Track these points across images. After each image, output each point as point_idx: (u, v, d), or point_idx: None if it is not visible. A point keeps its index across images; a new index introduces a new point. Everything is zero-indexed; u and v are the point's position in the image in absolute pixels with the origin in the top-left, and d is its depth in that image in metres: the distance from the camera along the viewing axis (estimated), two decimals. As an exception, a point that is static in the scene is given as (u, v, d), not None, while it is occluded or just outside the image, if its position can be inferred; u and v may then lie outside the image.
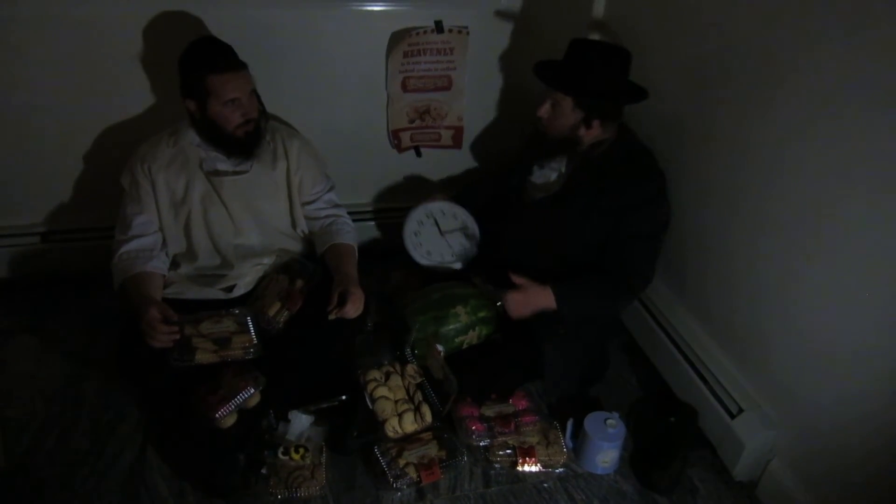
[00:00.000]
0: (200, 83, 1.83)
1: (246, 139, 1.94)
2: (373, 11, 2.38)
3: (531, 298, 2.00)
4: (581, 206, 2.00)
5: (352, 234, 2.14)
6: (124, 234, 1.96)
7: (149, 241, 1.97)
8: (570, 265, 2.06)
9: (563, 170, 2.09)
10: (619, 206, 1.93)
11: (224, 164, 1.99)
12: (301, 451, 1.79)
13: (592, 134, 1.98)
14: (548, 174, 2.13)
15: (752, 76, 1.78)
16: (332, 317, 1.89)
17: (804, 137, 1.61)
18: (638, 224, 1.95)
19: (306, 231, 2.16)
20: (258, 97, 1.97)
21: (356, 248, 2.13)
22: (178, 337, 1.75)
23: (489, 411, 1.96)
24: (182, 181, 1.97)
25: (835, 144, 1.52)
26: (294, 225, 2.15)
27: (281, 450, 1.79)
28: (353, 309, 1.90)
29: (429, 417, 1.91)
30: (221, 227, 2.02)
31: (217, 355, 1.81)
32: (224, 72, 1.83)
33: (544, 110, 1.98)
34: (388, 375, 2.01)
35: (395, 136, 2.65)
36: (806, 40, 1.59)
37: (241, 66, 1.88)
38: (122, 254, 1.93)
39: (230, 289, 2.04)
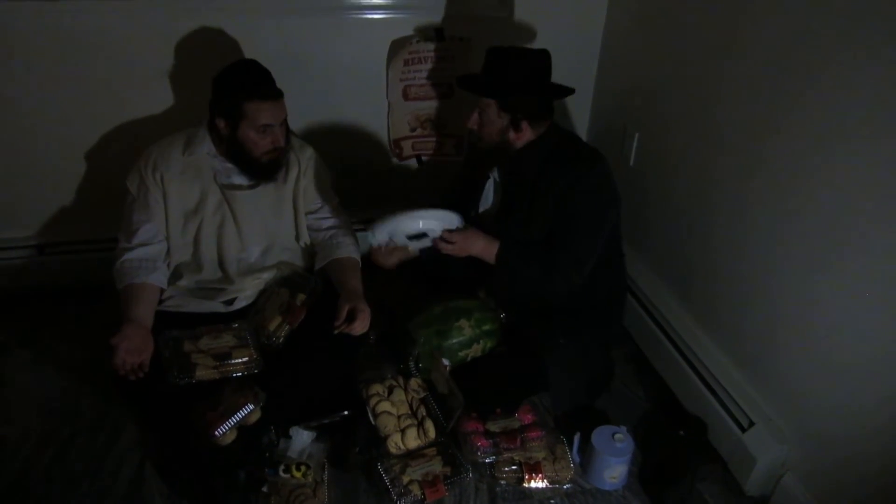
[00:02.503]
0: (237, 106, 1.83)
1: (269, 164, 1.94)
2: (373, 19, 2.37)
3: (472, 241, 1.98)
4: (525, 208, 1.98)
5: (354, 247, 2.10)
6: (129, 240, 1.93)
7: (153, 251, 1.93)
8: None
9: (497, 180, 2.10)
10: (555, 197, 1.91)
11: (239, 178, 1.98)
12: (302, 468, 1.75)
13: (523, 137, 1.96)
14: (487, 197, 2.14)
15: (771, 85, 1.75)
16: (337, 331, 1.87)
17: (823, 148, 1.58)
18: (575, 204, 1.90)
19: (308, 242, 2.13)
20: (287, 125, 1.98)
21: (360, 261, 2.10)
22: (141, 375, 1.74)
23: (494, 426, 1.92)
24: (196, 191, 1.95)
25: (855, 155, 1.49)
26: (297, 237, 2.12)
27: (282, 467, 1.75)
28: (361, 326, 1.89)
29: (432, 433, 1.87)
30: (230, 240, 2.00)
31: (217, 371, 1.77)
32: (264, 100, 1.83)
33: (473, 121, 1.97)
34: (391, 390, 1.98)
35: (396, 145, 2.63)
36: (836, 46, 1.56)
37: (279, 95, 1.88)
38: (125, 261, 1.90)
39: (230, 302, 2.00)
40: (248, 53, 2.28)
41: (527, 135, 1.95)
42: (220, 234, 1.99)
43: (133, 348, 1.75)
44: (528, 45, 2.49)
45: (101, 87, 2.24)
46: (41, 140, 2.30)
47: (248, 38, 2.27)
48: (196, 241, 1.99)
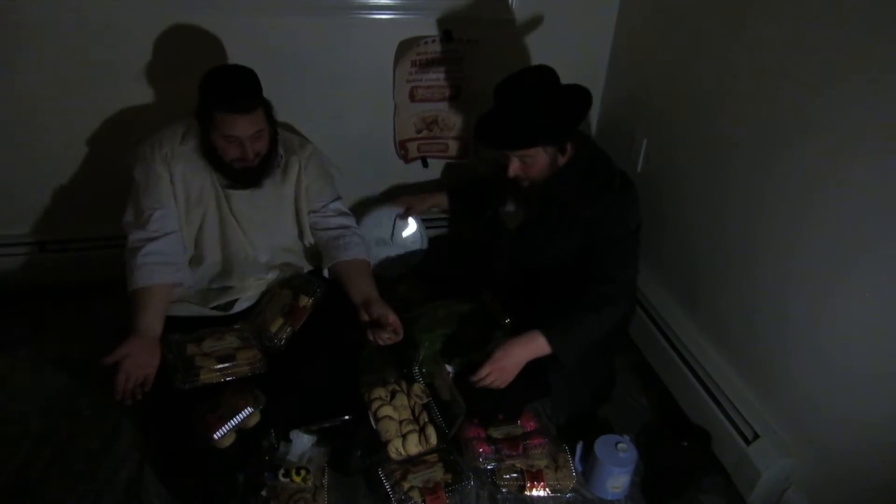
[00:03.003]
0: (207, 113, 1.79)
1: (242, 172, 1.88)
2: (380, 20, 2.35)
3: (512, 357, 1.81)
4: (548, 225, 1.94)
5: (363, 247, 2.06)
6: (143, 229, 1.87)
7: (172, 244, 1.89)
8: (541, 278, 2.01)
9: (529, 195, 2.03)
10: (584, 219, 1.86)
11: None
12: (302, 472, 1.74)
13: (569, 154, 1.89)
14: (517, 203, 2.08)
15: (783, 93, 1.73)
16: (379, 342, 1.89)
17: (836, 157, 1.56)
18: (605, 233, 1.86)
19: (312, 243, 2.11)
20: (275, 130, 1.92)
21: (370, 262, 2.07)
22: (139, 398, 1.73)
23: (497, 433, 1.90)
24: (196, 181, 1.91)
25: (869, 164, 1.47)
26: (301, 236, 2.09)
27: (282, 471, 1.74)
28: (396, 335, 1.89)
29: (434, 439, 1.86)
30: (233, 239, 1.97)
31: (222, 373, 1.76)
32: (231, 112, 1.76)
33: (514, 168, 1.87)
34: (393, 394, 1.97)
35: (401, 147, 2.61)
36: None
37: (251, 109, 1.79)
38: (147, 254, 1.84)
39: (232, 304, 1.99)
40: (253, 52, 2.26)
41: (571, 151, 1.89)
42: (222, 231, 1.97)
43: (138, 364, 1.73)
44: (536, 50, 2.51)
45: (103, 84, 2.23)
46: (42, 136, 2.28)
47: (255, 39, 2.26)
48: (199, 234, 1.96)
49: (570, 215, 1.88)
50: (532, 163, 1.85)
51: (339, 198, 2.13)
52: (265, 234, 2.02)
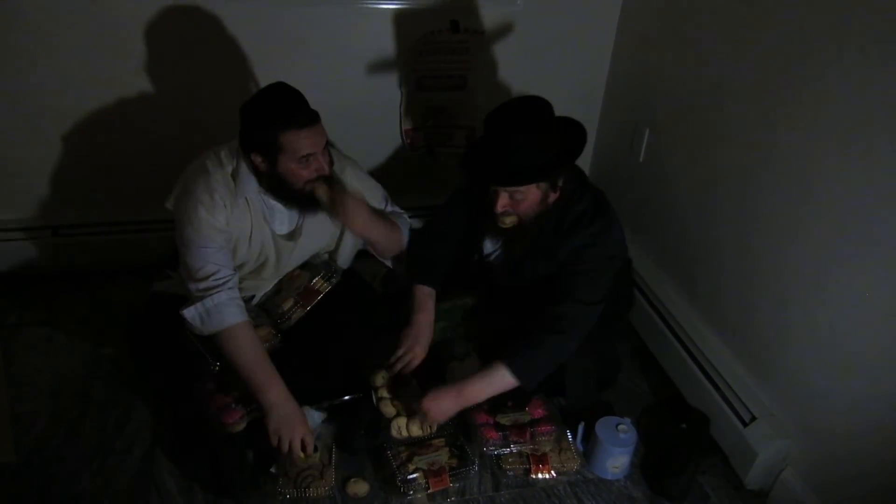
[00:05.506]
0: (273, 140, 1.66)
1: (312, 194, 1.77)
2: (388, 10, 2.38)
3: (463, 393, 1.80)
4: (524, 253, 1.90)
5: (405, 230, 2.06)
6: (202, 280, 1.73)
7: (231, 276, 1.76)
8: (512, 296, 1.99)
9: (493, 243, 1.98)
10: (564, 251, 1.82)
11: (283, 223, 1.88)
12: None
13: (560, 191, 1.81)
14: (495, 241, 1.99)
15: (783, 80, 1.76)
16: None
17: (834, 144, 1.59)
18: (582, 263, 1.81)
19: (344, 267, 2.09)
20: (330, 148, 1.82)
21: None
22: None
23: (505, 419, 1.93)
24: (246, 222, 1.81)
25: (867, 149, 1.50)
26: (335, 254, 2.06)
27: None
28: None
29: (435, 426, 1.90)
30: (265, 278, 1.97)
31: None
32: (301, 128, 1.66)
33: (503, 204, 1.74)
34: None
35: (407, 135, 2.64)
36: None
37: (315, 119, 1.70)
38: (220, 304, 1.71)
39: (249, 299, 1.99)
40: (259, 42, 2.29)
41: (560, 188, 1.80)
42: (258, 272, 1.94)
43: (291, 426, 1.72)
44: (541, 41, 2.53)
45: (117, 70, 2.26)
46: (57, 122, 2.31)
47: (261, 28, 2.28)
48: (252, 273, 1.94)
49: (553, 250, 1.83)
50: (522, 199, 1.74)
51: (387, 199, 2.10)
52: (308, 252, 2.01)
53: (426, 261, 2.02)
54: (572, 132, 1.81)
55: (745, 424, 1.84)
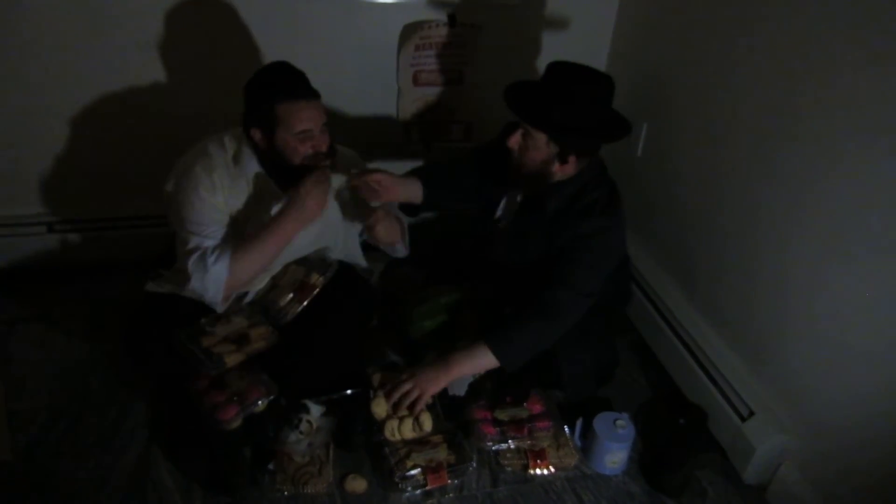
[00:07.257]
0: (270, 110, 1.70)
1: (315, 159, 1.79)
2: (385, 3, 2.37)
3: (447, 367, 1.83)
4: (527, 230, 1.91)
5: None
6: (200, 236, 1.78)
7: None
8: (510, 276, 2.00)
9: (518, 198, 1.98)
10: (567, 240, 1.81)
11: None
12: (307, 427, 1.80)
13: (566, 171, 1.80)
14: (507, 206, 2.02)
15: (784, 75, 1.75)
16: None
17: (835, 140, 1.59)
18: (583, 250, 1.80)
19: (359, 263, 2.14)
20: (329, 133, 1.83)
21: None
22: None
23: (503, 415, 1.93)
24: (243, 200, 1.84)
25: (867, 146, 1.50)
26: (340, 245, 2.08)
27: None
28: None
29: (428, 426, 1.87)
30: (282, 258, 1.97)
31: (243, 353, 1.82)
32: (298, 99, 1.71)
33: (514, 141, 1.77)
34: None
35: (404, 130, 2.63)
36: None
37: (315, 96, 1.75)
38: (206, 252, 1.76)
39: (242, 296, 1.99)
40: (256, 33, 2.28)
41: (569, 169, 1.80)
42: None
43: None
44: (538, 35, 2.52)
45: (114, 63, 2.24)
46: (52, 118, 2.30)
47: (258, 20, 2.27)
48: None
49: (555, 232, 1.83)
50: (530, 146, 1.75)
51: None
52: (306, 246, 2.01)
53: (426, 168, 2.10)
54: (615, 127, 1.81)
55: (743, 419, 1.84)
